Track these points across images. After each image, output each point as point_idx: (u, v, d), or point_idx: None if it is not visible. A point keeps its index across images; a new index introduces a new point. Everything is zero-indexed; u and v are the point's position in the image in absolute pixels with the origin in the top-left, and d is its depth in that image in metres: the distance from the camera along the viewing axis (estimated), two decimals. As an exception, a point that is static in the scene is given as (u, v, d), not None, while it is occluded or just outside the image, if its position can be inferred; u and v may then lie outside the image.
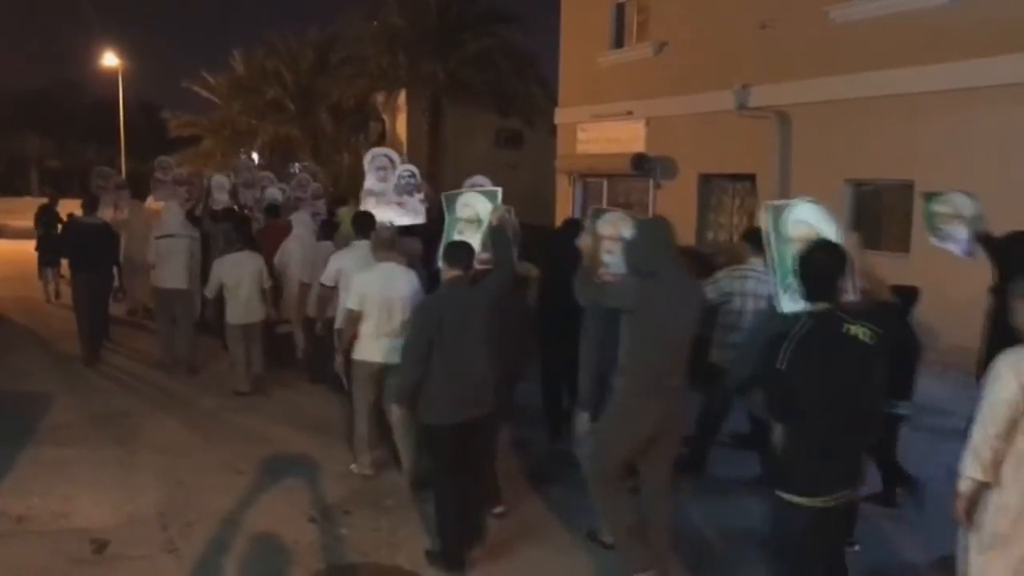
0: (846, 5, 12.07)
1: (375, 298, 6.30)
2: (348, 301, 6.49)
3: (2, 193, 38.15)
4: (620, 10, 17.75)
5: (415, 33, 25.96)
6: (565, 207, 19.21)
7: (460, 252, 5.38)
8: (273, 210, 11.33)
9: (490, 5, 27.11)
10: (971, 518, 3.78)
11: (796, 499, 3.82)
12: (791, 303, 4.40)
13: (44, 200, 17.11)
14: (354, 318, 6.39)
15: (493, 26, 26.58)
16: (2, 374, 9.89)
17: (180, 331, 9.95)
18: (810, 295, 3.91)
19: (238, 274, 8.84)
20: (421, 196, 9.27)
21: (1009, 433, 3.63)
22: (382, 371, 6.36)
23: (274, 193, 12.68)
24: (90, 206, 10.62)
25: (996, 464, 3.67)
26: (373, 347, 6.38)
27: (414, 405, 5.32)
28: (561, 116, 19.69)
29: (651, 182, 16.36)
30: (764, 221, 4.69)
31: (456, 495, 5.15)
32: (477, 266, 5.54)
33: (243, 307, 8.91)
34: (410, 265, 6.74)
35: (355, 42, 27.37)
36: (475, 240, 5.84)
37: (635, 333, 4.69)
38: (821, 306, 3.85)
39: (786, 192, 13.18)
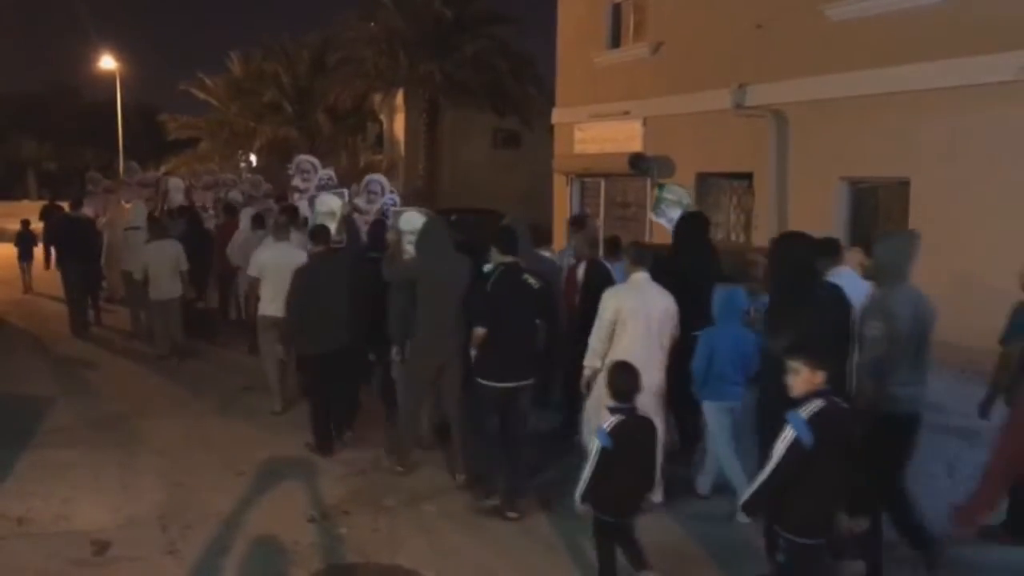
0: (842, 4, 12.08)
1: (271, 268, 8.13)
2: (250, 271, 8.54)
3: (1, 197, 38.12)
4: (617, 10, 17.76)
5: (412, 34, 25.98)
6: (563, 207, 19.23)
7: (323, 233, 7.65)
8: (231, 209, 12.57)
9: (487, 6, 27.14)
10: (589, 389, 6.10)
11: (486, 383, 6.01)
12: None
13: (45, 202, 19.22)
14: (254, 284, 8.45)
15: (490, 27, 26.60)
16: (2, 377, 9.90)
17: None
18: (502, 252, 6.12)
19: (162, 257, 10.44)
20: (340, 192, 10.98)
21: (609, 337, 5.86)
22: (277, 323, 7.96)
23: (235, 195, 14.20)
24: (76, 204, 12.96)
25: (603, 356, 5.85)
26: (270, 306, 8.14)
27: (290, 341, 7.66)
28: (558, 116, 19.69)
29: (648, 181, 16.36)
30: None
31: (323, 401, 7.34)
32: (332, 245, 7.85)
33: (165, 285, 10.46)
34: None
35: (352, 43, 27.38)
36: (332, 227, 8.34)
37: (422, 296, 6.54)
38: (509, 259, 6.08)
39: (783, 190, 13.21)
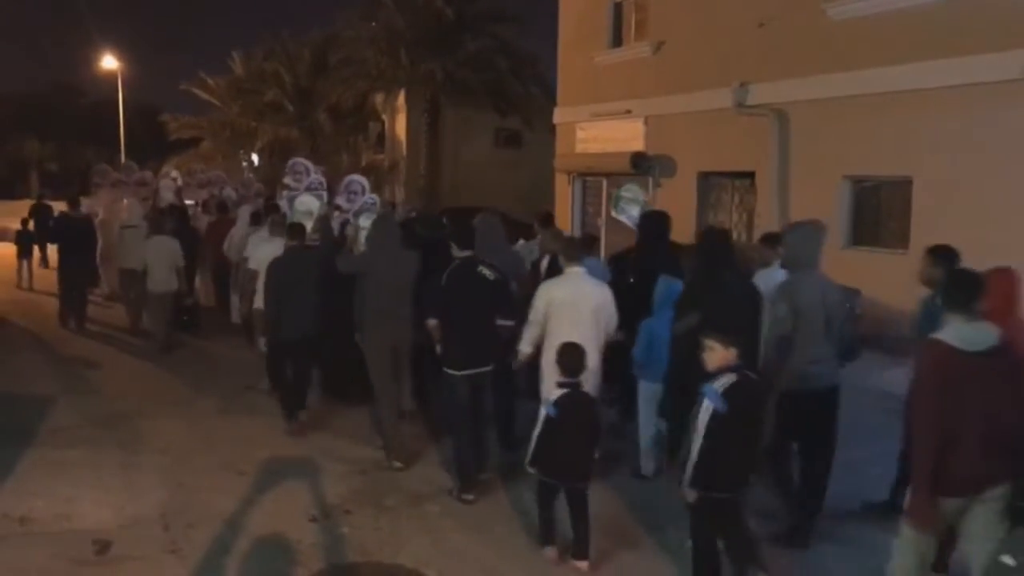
0: (844, 2, 12.08)
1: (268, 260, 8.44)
2: (251, 264, 9.17)
3: (3, 196, 38.10)
4: (618, 9, 17.75)
5: (414, 33, 25.96)
6: (565, 206, 19.23)
7: (297, 230, 8.37)
8: (223, 207, 13.38)
9: (488, 5, 27.11)
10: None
11: (450, 371, 6.35)
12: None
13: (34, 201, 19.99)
14: (253, 276, 8.93)
15: (492, 26, 26.58)
16: (4, 376, 9.91)
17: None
18: (460, 247, 6.48)
19: (160, 253, 11.05)
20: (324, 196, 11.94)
21: (540, 325, 6.26)
22: None
23: (228, 193, 14.84)
24: (74, 203, 13.47)
25: (533, 342, 6.34)
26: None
27: (268, 329, 8.24)
28: (560, 115, 19.69)
29: (650, 180, 16.35)
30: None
31: (284, 377, 8.13)
32: (308, 242, 8.70)
33: (162, 279, 11.02)
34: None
35: (353, 43, 27.37)
36: (308, 225, 9.21)
37: (371, 286, 7.09)
38: (466, 253, 6.45)
39: (785, 189, 13.20)
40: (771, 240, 6.98)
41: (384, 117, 31.15)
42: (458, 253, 6.53)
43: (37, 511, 5.98)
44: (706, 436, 4.40)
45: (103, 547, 5.43)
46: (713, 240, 6.15)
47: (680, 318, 5.63)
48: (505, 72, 25.82)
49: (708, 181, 15.40)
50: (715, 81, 14.16)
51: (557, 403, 5.23)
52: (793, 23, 12.91)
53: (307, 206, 10.10)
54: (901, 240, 11.48)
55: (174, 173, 17.85)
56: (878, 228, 12.18)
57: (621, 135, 17.11)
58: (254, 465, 6.94)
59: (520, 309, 6.53)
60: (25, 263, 16.85)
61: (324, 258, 8.14)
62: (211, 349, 11.29)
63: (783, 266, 5.84)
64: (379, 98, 28.62)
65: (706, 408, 4.42)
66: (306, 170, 12.48)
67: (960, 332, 3.89)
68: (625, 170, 16.43)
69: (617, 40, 17.78)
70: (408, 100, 28.24)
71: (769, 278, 6.32)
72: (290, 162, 13.17)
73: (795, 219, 12.72)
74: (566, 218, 18.39)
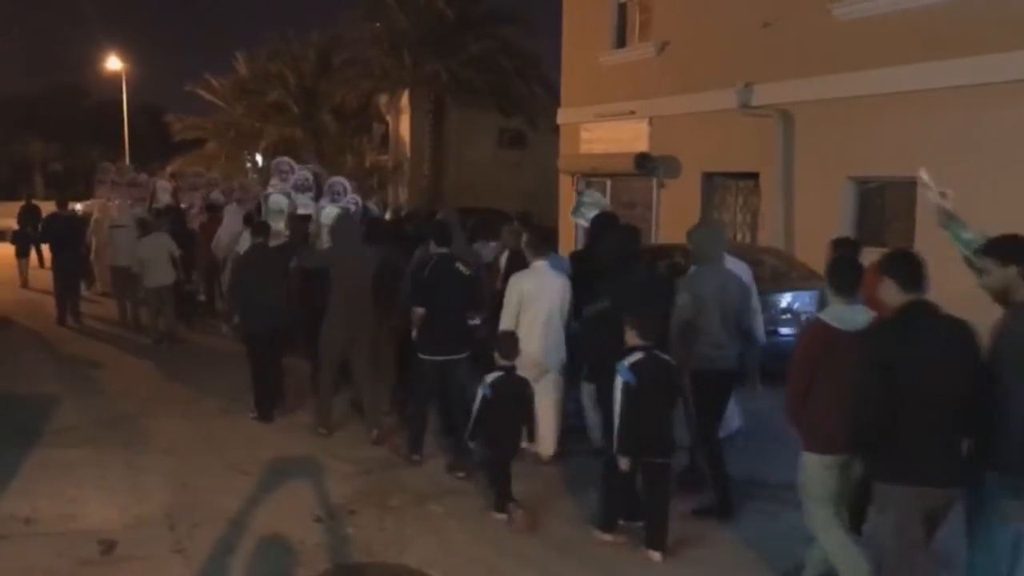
0: (850, 2, 12.05)
1: None
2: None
3: (8, 197, 38.16)
4: (622, 10, 17.73)
5: (417, 34, 25.97)
6: (568, 207, 19.18)
7: (263, 227, 8.92)
8: (212, 208, 13.88)
9: (492, 6, 27.14)
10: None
11: (426, 357, 6.88)
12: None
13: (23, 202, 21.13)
14: None
15: (495, 27, 26.58)
16: (8, 377, 9.94)
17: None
18: (438, 244, 7.01)
19: (154, 249, 11.67)
20: (311, 194, 12.12)
21: (515, 317, 6.69)
22: None
23: (216, 195, 15.32)
24: (62, 204, 14.63)
25: (513, 320, 6.69)
26: None
27: (228, 319, 8.97)
28: (564, 116, 19.67)
29: (654, 181, 16.33)
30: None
31: (259, 368, 8.31)
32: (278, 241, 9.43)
33: (158, 274, 11.62)
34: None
35: (357, 43, 27.38)
36: (279, 224, 9.77)
37: (334, 280, 7.62)
38: (443, 250, 6.96)
39: (789, 190, 13.18)
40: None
41: (388, 118, 31.15)
42: (435, 249, 7.07)
43: (42, 511, 5.99)
44: (622, 407, 5.20)
45: (108, 547, 5.44)
46: (623, 235, 6.72)
47: (588, 305, 6.32)
48: (509, 72, 25.82)
49: (712, 182, 15.38)
50: (719, 81, 14.14)
51: (493, 384, 5.94)
52: (798, 23, 12.88)
53: (279, 205, 10.54)
54: (906, 241, 11.43)
55: (163, 180, 18.18)
56: (883, 229, 12.14)
57: (625, 136, 17.09)
58: (258, 465, 6.94)
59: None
60: (24, 263, 17.58)
61: (290, 254, 8.84)
62: (214, 348, 11.30)
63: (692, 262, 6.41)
64: (383, 99, 28.63)
65: (619, 383, 5.22)
66: (290, 168, 12.87)
67: (838, 313, 4.47)
68: (629, 171, 16.41)
69: (621, 40, 17.76)
70: (412, 101, 28.26)
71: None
72: (274, 161, 13.79)
73: (800, 220, 12.81)
74: (570, 219, 18.33)
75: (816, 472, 4.49)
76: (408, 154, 29.63)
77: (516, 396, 6.01)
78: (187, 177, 18.11)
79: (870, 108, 11.74)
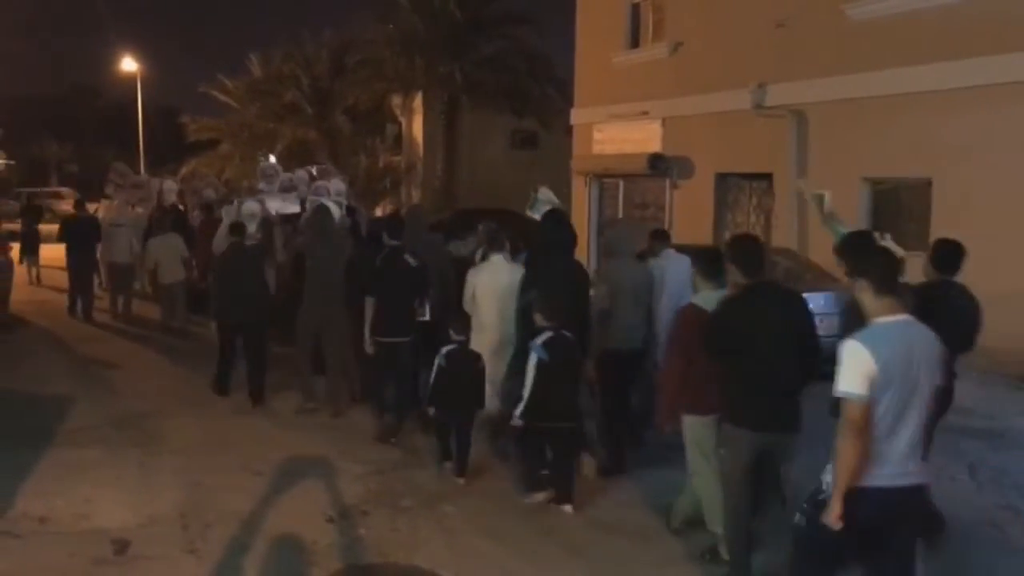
0: (863, 3, 12.01)
1: None
2: None
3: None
4: (635, 10, 17.72)
5: (430, 35, 25.98)
6: (581, 208, 19.20)
7: (240, 228, 9.51)
8: (207, 208, 14.02)
9: (505, 6, 27.12)
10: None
11: (376, 338, 7.68)
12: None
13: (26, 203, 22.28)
14: None
15: (508, 27, 26.58)
16: (23, 377, 9.99)
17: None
18: (390, 237, 7.81)
19: (165, 249, 12.55)
20: (294, 195, 12.66)
21: (471, 310, 7.21)
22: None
23: (209, 193, 15.90)
24: (80, 205, 15.20)
25: (470, 305, 7.25)
26: None
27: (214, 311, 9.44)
28: (577, 117, 19.67)
29: (667, 182, 16.32)
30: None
31: (226, 351, 9.14)
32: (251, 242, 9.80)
33: (170, 272, 12.47)
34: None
35: (371, 45, 27.39)
36: (251, 227, 10.26)
37: (308, 269, 8.59)
38: (394, 243, 7.72)
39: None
40: (660, 235, 8.18)
41: (401, 119, 31.17)
42: (388, 241, 7.87)
43: (56, 510, 6.02)
44: (534, 380, 6.00)
45: (122, 546, 5.46)
46: (548, 230, 7.27)
47: (522, 294, 6.87)
48: (522, 73, 25.80)
49: (726, 182, 15.34)
50: (733, 82, 14.11)
51: (447, 355, 6.69)
52: (812, 23, 12.85)
53: (251, 209, 11.11)
54: (920, 242, 11.35)
55: (169, 180, 19.10)
56: (897, 229, 12.03)
57: (638, 136, 17.08)
58: (271, 465, 6.95)
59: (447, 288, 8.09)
60: (33, 260, 18.01)
61: (262, 253, 9.65)
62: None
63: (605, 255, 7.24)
64: (396, 100, 28.66)
65: (533, 359, 6.02)
66: (276, 172, 13.78)
67: (705, 297, 5.21)
68: (642, 171, 16.40)
69: (634, 41, 17.75)
70: (425, 102, 28.26)
71: (656, 266, 7.40)
72: (260, 167, 14.93)
73: (813, 221, 12.73)
74: (583, 219, 18.31)
75: (696, 429, 5.31)
76: (421, 155, 29.64)
77: (468, 366, 6.71)
78: (191, 180, 18.93)
79: (884, 108, 11.70)
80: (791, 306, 4.78)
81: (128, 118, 40.79)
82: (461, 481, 6.59)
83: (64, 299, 14.50)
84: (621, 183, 18.11)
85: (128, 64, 37.39)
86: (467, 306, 7.31)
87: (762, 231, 14.51)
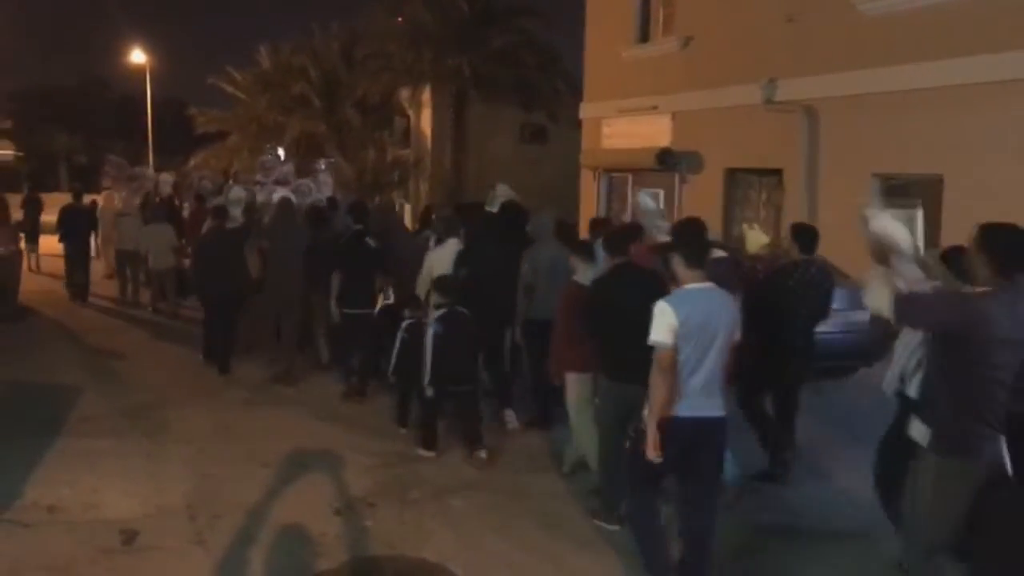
0: (875, -3, 11.94)
1: None
2: None
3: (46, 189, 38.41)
4: (645, 4, 17.64)
5: (439, 28, 25.92)
6: (590, 202, 19.16)
7: (222, 212, 10.61)
8: (200, 198, 14.88)
9: (514, 0, 27.01)
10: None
11: (343, 310, 8.74)
12: None
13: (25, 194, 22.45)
14: None
15: (517, 21, 26.47)
16: (31, 367, 10.02)
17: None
18: (355, 222, 8.99)
19: (157, 236, 13.41)
20: (291, 185, 13.42)
21: (428, 281, 7.92)
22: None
23: (205, 184, 16.74)
24: (77, 196, 16.21)
25: (424, 291, 7.98)
26: None
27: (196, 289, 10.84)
28: (586, 111, 19.62)
29: (677, 177, 16.27)
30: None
31: (210, 324, 10.20)
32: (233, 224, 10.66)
33: (160, 258, 13.32)
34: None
35: (379, 37, 27.33)
36: (236, 211, 10.95)
37: (270, 255, 9.68)
38: (359, 227, 8.84)
39: (813, 186, 13.09)
40: (597, 224, 9.14)
41: (410, 112, 31.12)
42: (353, 226, 9.02)
43: (65, 500, 6.04)
44: (432, 351, 6.99)
45: (130, 536, 5.48)
46: (484, 220, 8.84)
47: (454, 271, 7.90)
48: (531, 67, 25.69)
49: (735, 178, 15.29)
50: (743, 77, 14.05)
51: (406, 330, 7.46)
52: (822, 18, 12.78)
53: (237, 195, 11.91)
54: (931, 239, 11.33)
55: (165, 174, 20.29)
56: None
57: (648, 131, 17.02)
58: (279, 457, 6.97)
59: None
60: (34, 247, 18.87)
61: (241, 235, 10.43)
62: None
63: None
64: (405, 93, 28.60)
65: (430, 333, 7.06)
66: (274, 166, 14.88)
67: (585, 275, 6.31)
68: (651, 166, 16.35)
69: (644, 35, 17.68)
70: (433, 95, 28.19)
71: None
72: (260, 159, 16.17)
73: (823, 217, 12.69)
74: (591, 214, 18.26)
75: (577, 384, 6.37)
76: (429, 148, 29.59)
77: (421, 340, 7.29)
78: (189, 174, 20.01)
79: (895, 104, 11.64)
80: (646, 284, 5.42)
81: (137, 110, 40.85)
82: (431, 454, 7.16)
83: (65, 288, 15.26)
84: (630, 178, 18.06)
85: (137, 56, 37.38)
86: (425, 281, 8.12)
87: (772, 227, 14.46)
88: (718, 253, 6.45)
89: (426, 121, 30.02)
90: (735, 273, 6.60)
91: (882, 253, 4.40)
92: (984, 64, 10.37)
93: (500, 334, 7.98)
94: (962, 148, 10.79)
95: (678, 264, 4.74)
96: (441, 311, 7.09)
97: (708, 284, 4.73)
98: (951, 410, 4.04)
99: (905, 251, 4.37)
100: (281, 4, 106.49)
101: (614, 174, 18.81)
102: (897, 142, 11.68)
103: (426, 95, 28.52)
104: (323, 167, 17.96)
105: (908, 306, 4.11)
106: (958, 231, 5.43)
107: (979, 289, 4.11)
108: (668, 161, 16.09)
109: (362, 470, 6.74)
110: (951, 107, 10.89)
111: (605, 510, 5.77)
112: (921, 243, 5.50)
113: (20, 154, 51.77)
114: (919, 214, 5.98)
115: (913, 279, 4.29)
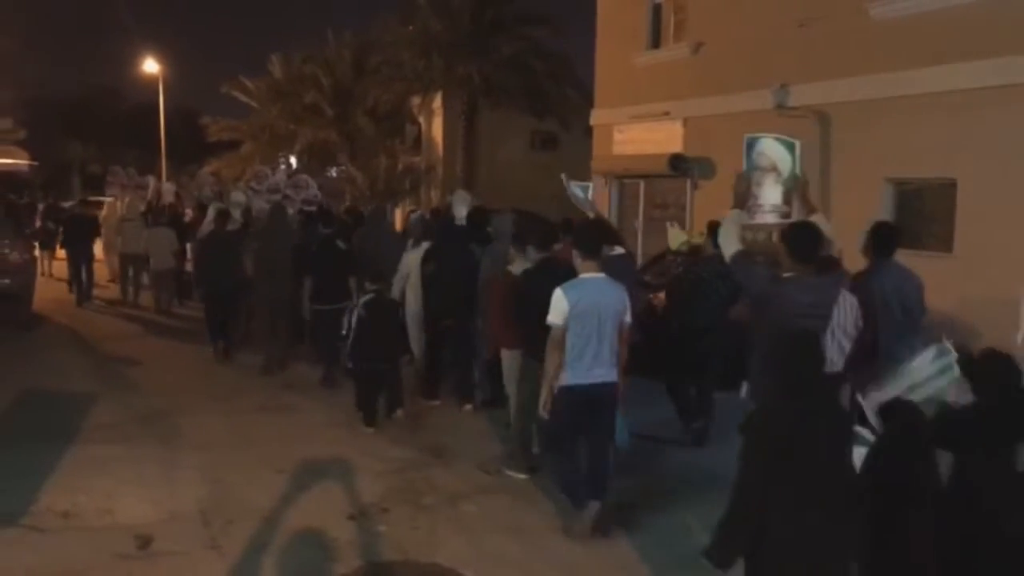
0: (887, 1, 11.91)
1: None
2: None
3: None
4: (657, 10, 17.62)
5: (450, 36, 25.97)
6: (602, 208, 19.09)
7: (224, 214, 11.59)
8: (202, 206, 15.55)
9: (525, 7, 27.03)
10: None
11: (316, 306, 9.62)
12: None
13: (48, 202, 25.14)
14: None
15: (528, 28, 26.50)
16: (45, 374, 10.08)
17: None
18: (324, 227, 10.52)
19: (159, 240, 14.53)
20: (278, 196, 14.70)
21: (405, 280, 9.02)
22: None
23: (207, 192, 17.77)
24: (82, 204, 18.37)
25: (402, 290, 9.10)
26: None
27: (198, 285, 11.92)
28: (597, 117, 19.60)
29: (689, 183, 16.23)
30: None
31: (212, 319, 11.08)
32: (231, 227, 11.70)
33: (161, 260, 14.41)
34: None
35: (391, 46, 27.42)
36: (236, 213, 12.23)
37: (259, 257, 10.43)
38: (327, 231, 10.23)
39: (826, 191, 13.03)
40: (565, 225, 9.42)
41: (421, 119, 31.20)
42: (322, 231, 10.32)
43: (80, 506, 6.07)
44: (355, 332, 7.96)
45: (144, 542, 5.49)
46: (444, 221, 9.88)
47: (421, 268, 8.86)
48: (542, 74, 25.72)
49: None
50: (755, 82, 14.02)
51: (366, 305, 8.05)
52: (834, 23, 12.75)
53: (237, 198, 13.02)
54: (945, 243, 11.28)
55: (167, 183, 21.86)
56: (921, 231, 11.97)
57: (659, 137, 16.99)
58: (292, 462, 6.98)
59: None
60: (47, 254, 19.54)
61: (239, 237, 11.44)
62: (249, 347, 11.36)
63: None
64: (416, 100, 28.68)
65: (355, 315, 7.99)
66: (267, 175, 16.16)
67: (517, 267, 7.19)
68: (663, 172, 16.31)
69: (656, 41, 17.66)
70: (445, 102, 28.27)
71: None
72: (253, 170, 17.65)
73: (837, 222, 12.63)
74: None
75: (510, 358, 7.18)
76: (441, 156, 29.66)
77: (386, 315, 8.17)
78: (190, 183, 20.92)
79: (908, 109, 11.59)
80: (563, 277, 5.81)
81: (150, 119, 41.00)
82: (371, 430, 7.93)
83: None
84: (642, 184, 18.03)
85: (150, 65, 37.58)
86: (401, 279, 9.03)
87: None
88: (617, 250, 7.47)
89: (437, 129, 30.09)
90: (632, 267, 8.22)
91: (741, 197, 6.20)
92: (996, 68, 10.33)
93: (466, 322, 8.79)
94: (975, 152, 10.74)
95: (576, 257, 5.69)
96: (368, 296, 8.11)
97: (600, 274, 5.67)
98: (759, 365, 4.97)
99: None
100: (293, 14, 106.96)
101: (626, 180, 18.79)
102: (910, 147, 11.63)
103: (437, 103, 28.61)
104: (333, 175, 19.05)
105: (739, 265, 5.28)
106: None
107: (786, 274, 5.03)
108: (680, 167, 16.05)
109: (375, 475, 6.74)
110: (964, 111, 10.84)
111: (515, 461, 6.81)
112: (799, 170, 7.31)
113: (35, 163, 52.09)
114: (797, 144, 7.36)
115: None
